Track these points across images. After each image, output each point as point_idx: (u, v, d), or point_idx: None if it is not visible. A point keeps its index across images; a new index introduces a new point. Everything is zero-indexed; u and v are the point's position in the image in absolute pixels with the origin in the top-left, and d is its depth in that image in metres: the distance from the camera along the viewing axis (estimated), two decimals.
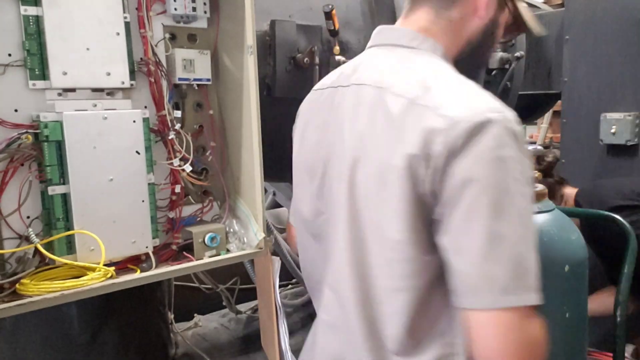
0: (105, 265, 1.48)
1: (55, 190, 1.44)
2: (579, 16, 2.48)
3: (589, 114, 2.47)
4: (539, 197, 1.77)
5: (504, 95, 2.65)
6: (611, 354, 1.90)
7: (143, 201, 1.56)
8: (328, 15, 2.08)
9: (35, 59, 1.43)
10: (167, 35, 1.66)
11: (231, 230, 1.75)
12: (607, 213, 1.98)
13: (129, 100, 1.59)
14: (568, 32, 2.52)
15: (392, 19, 2.37)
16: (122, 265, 1.56)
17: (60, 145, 1.43)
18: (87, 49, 1.47)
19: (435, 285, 1.05)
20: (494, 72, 2.58)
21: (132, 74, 1.57)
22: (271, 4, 2.12)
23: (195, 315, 2.47)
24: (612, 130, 2.34)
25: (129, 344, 2.00)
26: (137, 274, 1.53)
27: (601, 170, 2.45)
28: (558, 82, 2.69)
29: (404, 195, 1.01)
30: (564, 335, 1.71)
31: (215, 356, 2.29)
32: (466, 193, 0.94)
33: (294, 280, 2.72)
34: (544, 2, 3.68)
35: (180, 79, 1.66)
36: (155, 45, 1.62)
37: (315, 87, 1.37)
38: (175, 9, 1.61)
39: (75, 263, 1.45)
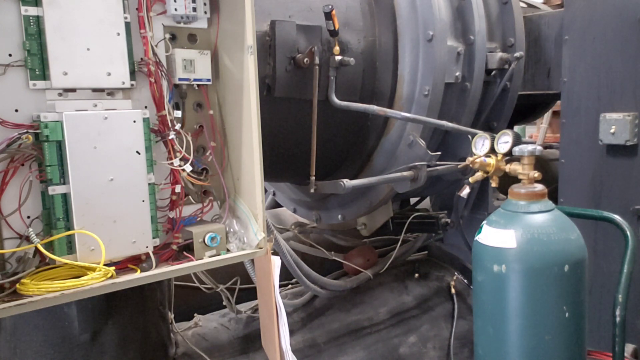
0: (105, 265, 1.48)
1: (55, 190, 1.45)
2: (578, 16, 2.47)
3: (588, 114, 2.47)
4: (538, 197, 1.77)
5: (503, 96, 2.66)
6: (611, 354, 1.90)
7: (143, 201, 1.56)
8: (328, 16, 2.08)
9: (36, 59, 1.43)
10: (168, 36, 1.66)
11: (231, 230, 1.75)
12: (606, 213, 1.98)
13: (129, 100, 1.59)
14: (567, 33, 2.52)
15: (392, 19, 2.37)
16: (122, 265, 1.56)
17: (60, 145, 1.43)
18: (88, 49, 1.48)
19: None
20: (493, 73, 2.58)
21: (133, 74, 1.57)
22: (271, 4, 2.12)
23: (195, 315, 2.47)
24: (612, 131, 2.34)
25: (129, 344, 2.00)
26: (137, 274, 1.53)
27: (600, 171, 2.45)
28: (557, 82, 2.69)
29: None
30: (564, 335, 1.71)
31: (215, 356, 2.29)
32: None
33: (294, 280, 2.72)
34: (544, 3, 3.68)
35: (180, 79, 1.67)
36: (156, 46, 1.62)
37: None
38: (176, 10, 1.61)
39: (76, 263, 1.45)
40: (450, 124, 2.33)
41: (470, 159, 2.06)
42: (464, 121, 2.53)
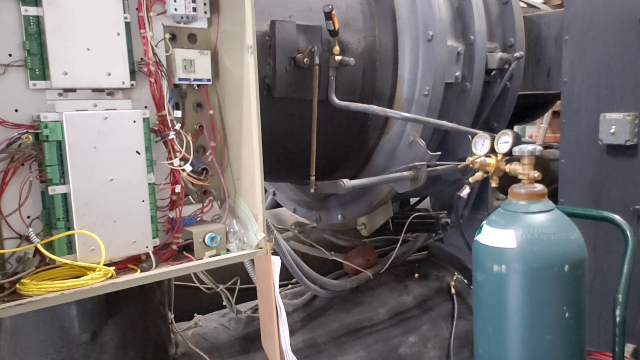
0: (105, 265, 1.48)
1: (55, 190, 1.45)
2: (578, 16, 2.48)
3: (588, 114, 2.47)
4: (538, 197, 1.77)
5: (503, 96, 2.66)
6: (611, 354, 1.90)
7: (143, 201, 1.56)
8: (328, 16, 2.08)
9: (36, 59, 1.43)
10: (168, 36, 1.66)
11: (231, 230, 1.75)
12: (606, 213, 1.98)
13: (129, 100, 1.59)
14: (567, 33, 2.52)
15: (392, 19, 2.37)
16: (122, 265, 1.56)
17: (60, 145, 1.43)
18: (88, 49, 1.48)
19: None
20: (493, 73, 2.58)
21: (133, 74, 1.57)
22: (271, 4, 2.12)
23: (195, 315, 2.47)
24: (612, 131, 2.34)
25: (129, 344, 2.00)
26: (137, 274, 1.53)
27: (600, 171, 2.45)
28: (557, 82, 2.69)
29: None
30: (564, 335, 1.71)
31: (215, 356, 2.29)
32: None
33: (294, 280, 2.72)
34: (544, 3, 3.68)
35: (180, 79, 1.66)
36: (156, 46, 1.62)
37: None
38: (176, 9, 1.61)
39: (76, 263, 1.45)
40: (450, 124, 2.33)
41: (470, 159, 2.06)
42: (464, 121, 2.53)
